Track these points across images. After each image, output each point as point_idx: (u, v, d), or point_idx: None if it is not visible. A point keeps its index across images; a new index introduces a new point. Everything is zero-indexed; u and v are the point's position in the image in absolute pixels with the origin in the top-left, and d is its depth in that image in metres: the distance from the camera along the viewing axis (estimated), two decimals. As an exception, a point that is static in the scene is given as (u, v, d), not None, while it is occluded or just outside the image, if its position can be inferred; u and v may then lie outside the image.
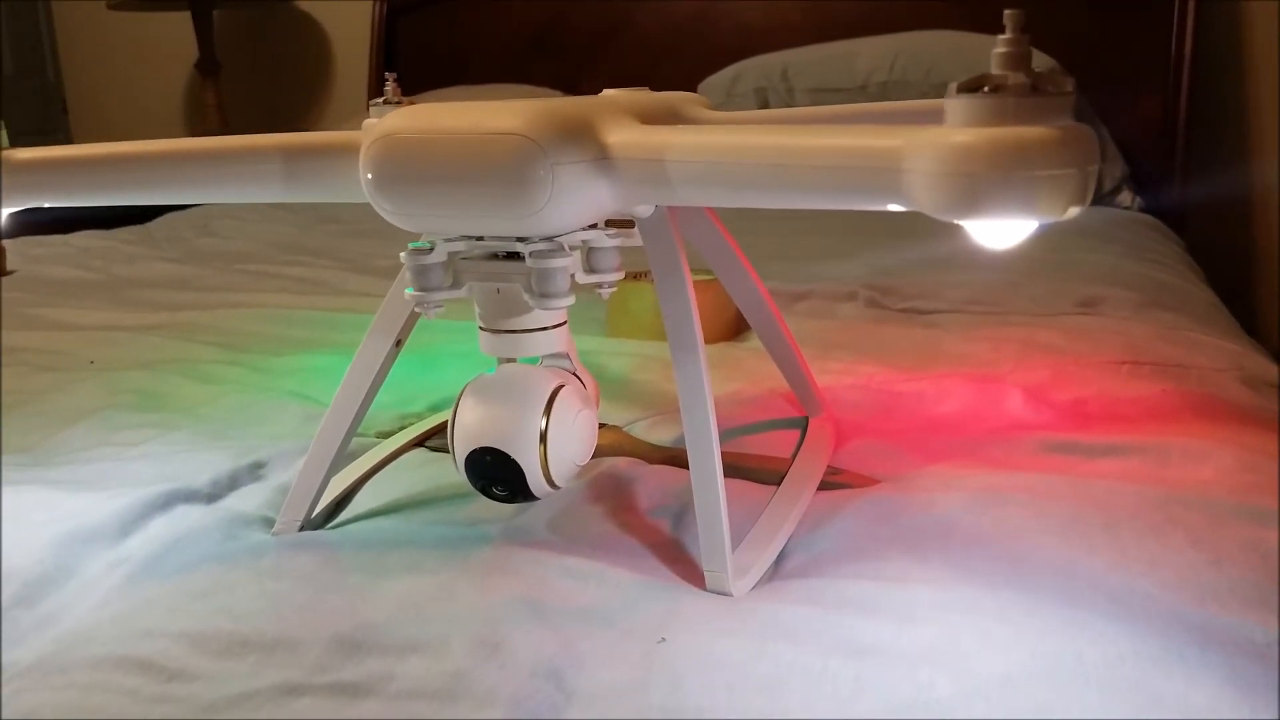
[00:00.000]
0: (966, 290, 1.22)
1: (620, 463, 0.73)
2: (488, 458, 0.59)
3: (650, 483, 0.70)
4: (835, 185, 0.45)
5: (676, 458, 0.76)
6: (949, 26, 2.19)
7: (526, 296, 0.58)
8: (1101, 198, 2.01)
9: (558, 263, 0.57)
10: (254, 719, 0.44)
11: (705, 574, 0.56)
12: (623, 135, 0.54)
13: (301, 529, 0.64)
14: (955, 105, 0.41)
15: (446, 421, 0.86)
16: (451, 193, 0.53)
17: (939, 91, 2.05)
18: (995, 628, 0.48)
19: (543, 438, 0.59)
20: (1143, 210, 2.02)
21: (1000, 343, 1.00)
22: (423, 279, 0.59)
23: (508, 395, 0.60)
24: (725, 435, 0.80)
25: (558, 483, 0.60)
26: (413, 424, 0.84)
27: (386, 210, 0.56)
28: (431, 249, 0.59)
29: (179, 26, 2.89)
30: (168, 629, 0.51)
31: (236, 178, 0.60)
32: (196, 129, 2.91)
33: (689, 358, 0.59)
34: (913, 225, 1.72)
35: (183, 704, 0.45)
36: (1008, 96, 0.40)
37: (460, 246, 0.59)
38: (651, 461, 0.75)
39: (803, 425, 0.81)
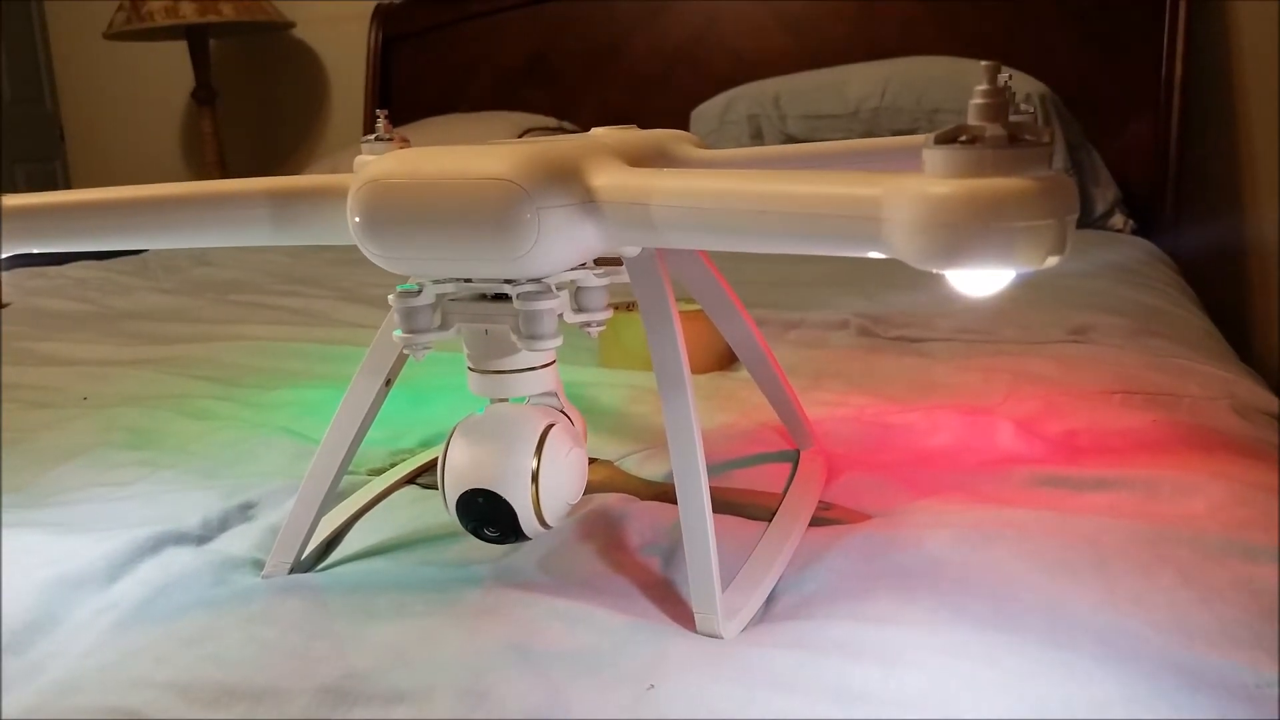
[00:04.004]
0: (957, 319, 1.23)
1: (611, 499, 0.73)
2: (479, 499, 0.59)
3: (641, 520, 0.70)
4: (816, 232, 0.45)
5: (668, 493, 0.75)
6: (938, 52, 2.21)
7: (514, 338, 0.58)
8: (1094, 221, 2.02)
9: (545, 304, 0.57)
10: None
11: (695, 616, 0.56)
12: (608, 178, 0.54)
13: (291, 570, 0.64)
14: (933, 156, 0.41)
15: (437, 458, 0.86)
16: (438, 237, 0.54)
17: (930, 117, 2.06)
18: (982, 672, 0.48)
19: (534, 478, 0.59)
20: (1135, 233, 2.02)
21: (992, 373, 1.00)
22: (411, 321, 0.60)
23: (498, 436, 0.60)
24: (716, 469, 0.80)
25: (549, 522, 0.60)
26: (404, 460, 0.84)
27: (374, 254, 0.56)
28: (419, 291, 0.59)
29: (175, 56, 2.90)
30: (155, 678, 0.51)
31: (226, 222, 0.61)
32: (193, 158, 2.93)
33: (677, 396, 0.59)
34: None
35: (169, 756, 0.45)
36: (985, 148, 0.40)
37: (449, 288, 0.60)
38: (643, 497, 0.75)
39: (794, 458, 0.81)
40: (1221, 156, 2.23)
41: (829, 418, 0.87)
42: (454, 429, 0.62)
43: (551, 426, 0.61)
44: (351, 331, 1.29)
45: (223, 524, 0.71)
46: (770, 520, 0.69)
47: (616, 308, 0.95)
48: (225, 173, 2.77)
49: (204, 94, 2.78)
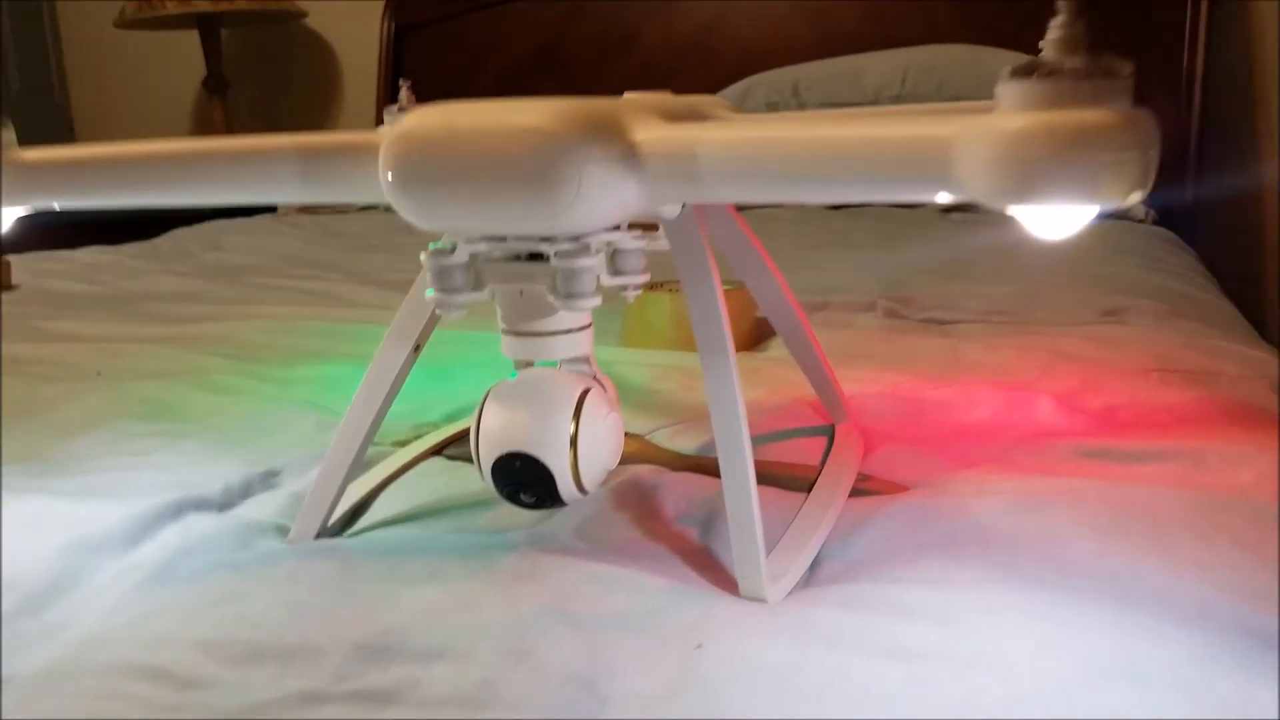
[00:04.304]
0: (986, 301, 1.21)
1: (643, 470, 0.71)
2: (517, 463, 0.57)
3: (675, 490, 0.69)
4: (882, 175, 0.43)
5: (700, 465, 0.74)
6: (954, 40, 2.18)
7: (551, 298, 0.56)
8: (1115, 211, 1.99)
9: (583, 263, 0.55)
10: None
11: (738, 580, 0.55)
12: (651, 132, 0.52)
13: (317, 537, 0.63)
14: (1009, 90, 0.39)
15: (464, 430, 0.84)
16: (474, 192, 0.52)
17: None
18: (1045, 630, 0.46)
19: (572, 442, 0.57)
20: (1156, 224, 2.00)
21: (1025, 351, 0.98)
22: (444, 280, 0.58)
23: (535, 399, 0.58)
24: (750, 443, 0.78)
25: (587, 487, 0.59)
26: (428, 433, 0.82)
27: (407, 210, 0.54)
28: (453, 250, 0.58)
29: (186, 44, 2.89)
30: (181, 636, 0.49)
31: (252, 177, 0.59)
32: (203, 147, 2.91)
33: (719, 360, 0.58)
34: (928, 235, 1.71)
35: (198, 712, 0.43)
36: (1064, 80, 0.39)
37: (482, 247, 0.58)
38: (675, 469, 0.73)
39: (828, 433, 0.79)
40: (1241, 151, 2.20)
41: (862, 393, 0.85)
42: (487, 393, 0.60)
43: (588, 391, 0.59)
44: (370, 312, 1.27)
45: (245, 491, 0.69)
46: (808, 491, 0.67)
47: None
48: (236, 162, 2.75)
49: (215, 83, 2.77)
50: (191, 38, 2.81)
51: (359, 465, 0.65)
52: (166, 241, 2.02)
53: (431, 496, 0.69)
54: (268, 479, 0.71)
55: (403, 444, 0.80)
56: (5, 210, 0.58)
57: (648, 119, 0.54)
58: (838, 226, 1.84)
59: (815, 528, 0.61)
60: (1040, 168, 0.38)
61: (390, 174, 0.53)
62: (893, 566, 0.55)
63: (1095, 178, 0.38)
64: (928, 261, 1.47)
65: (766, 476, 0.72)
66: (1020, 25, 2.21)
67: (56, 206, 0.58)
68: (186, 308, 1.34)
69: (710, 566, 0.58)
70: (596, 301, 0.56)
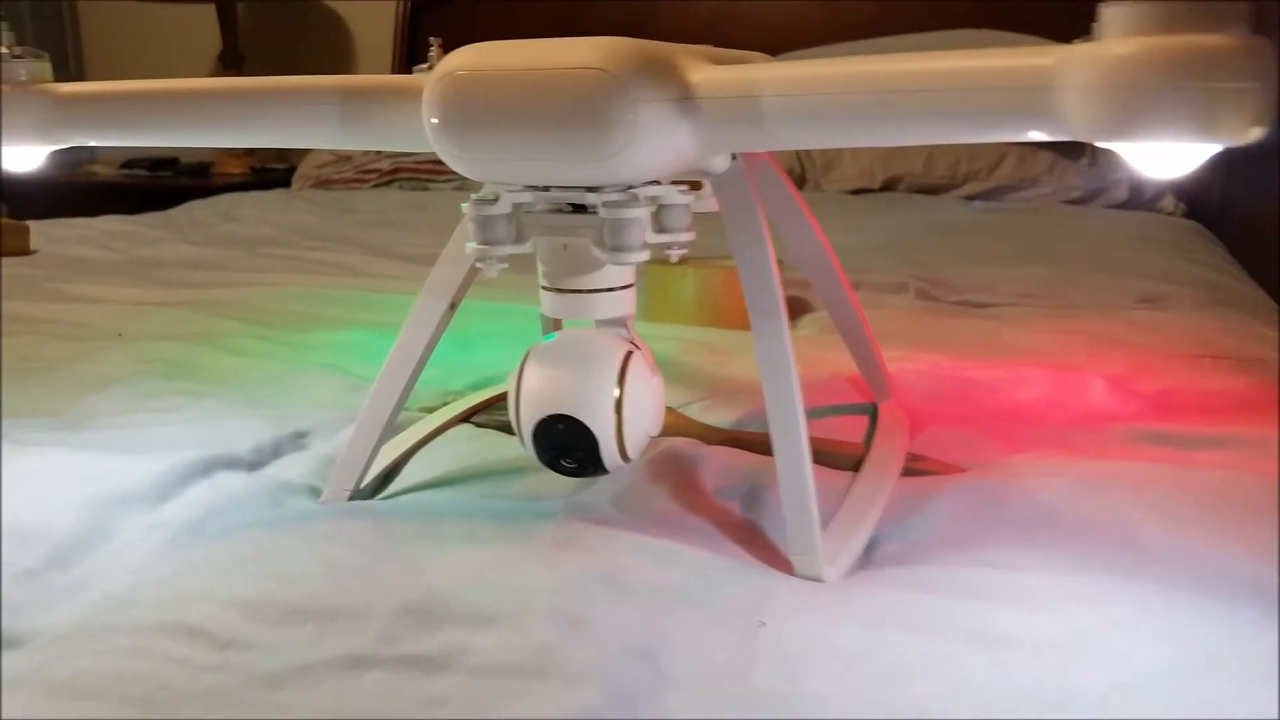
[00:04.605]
0: (1020, 285, 1.18)
1: (679, 443, 0.69)
2: (560, 425, 0.55)
3: (713, 463, 0.66)
4: (973, 110, 0.40)
5: (737, 440, 0.71)
6: (968, 26, 2.15)
7: (597, 251, 0.54)
8: (1145, 203, 1.96)
9: (632, 213, 0.52)
10: (320, 692, 0.40)
11: (792, 558, 0.52)
12: (708, 74, 0.50)
13: (351, 498, 0.60)
14: (1117, 14, 0.37)
15: (492, 397, 0.82)
16: (523, 134, 0.49)
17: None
18: (1137, 618, 0.43)
19: (617, 406, 0.55)
20: (1186, 216, 1.97)
21: (1067, 335, 0.96)
22: (486, 231, 0.55)
23: (578, 360, 0.56)
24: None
25: (630, 454, 0.56)
26: (455, 400, 0.80)
27: (451, 155, 0.52)
28: (496, 200, 0.55)
29: (203, 19, 2.86)
30: (216, 594, 0.47)
31: (293, 118, 0.56)
32: (217, 120, 2.88)
33: (771, 326, 0.55)
34: (952, 221, 1.68)
35: (238, 674, 0.41)
36: (1178, 2, 0.36)
37: (526, 197, 0.55)
38: (710, 443, 0.70)
39: (869, 411, 0.76)
40: (1271, 146, 2.17)
41: (902, 372, 0.82)
42: (526, 354, 0.57)
43: (631, 353, 0.57)
44: (388, 282, 1.24)
45: (275, 451, 0.67)
46: (855, 470, 0.65)
47: (661, 262, 0.91)
48: (250, 136, 2.72)
49: (231, 58, 2.73)
50: (208, 12, 2.77)
51: (392, 425, 0.63)
52: (182, 213, 1.99)
53: (463, 463, 0.67)
54: (297, 440, 0.69)
55: (430, 410, 0.77)
56: (38, 148, 0.56)
57: (702, 62, 0.51)
58: (857, 210, 1.81)
59: (869, 507, 0.58)
60: (1150, 97, 0.35)
61: (434, 116, 0.51)
62: (958, 549, 0.53)
63: (1211, 109, 0.35)
64: (955, 246, 1.45)
65: (811, 453, 0.69)
66: (1042, 13, 2.18)
67: (92, 143, 0.56)
68: (202, 274, 1.32)
69: (757, 543, 0.56)
70: (644, 256, 0.53)
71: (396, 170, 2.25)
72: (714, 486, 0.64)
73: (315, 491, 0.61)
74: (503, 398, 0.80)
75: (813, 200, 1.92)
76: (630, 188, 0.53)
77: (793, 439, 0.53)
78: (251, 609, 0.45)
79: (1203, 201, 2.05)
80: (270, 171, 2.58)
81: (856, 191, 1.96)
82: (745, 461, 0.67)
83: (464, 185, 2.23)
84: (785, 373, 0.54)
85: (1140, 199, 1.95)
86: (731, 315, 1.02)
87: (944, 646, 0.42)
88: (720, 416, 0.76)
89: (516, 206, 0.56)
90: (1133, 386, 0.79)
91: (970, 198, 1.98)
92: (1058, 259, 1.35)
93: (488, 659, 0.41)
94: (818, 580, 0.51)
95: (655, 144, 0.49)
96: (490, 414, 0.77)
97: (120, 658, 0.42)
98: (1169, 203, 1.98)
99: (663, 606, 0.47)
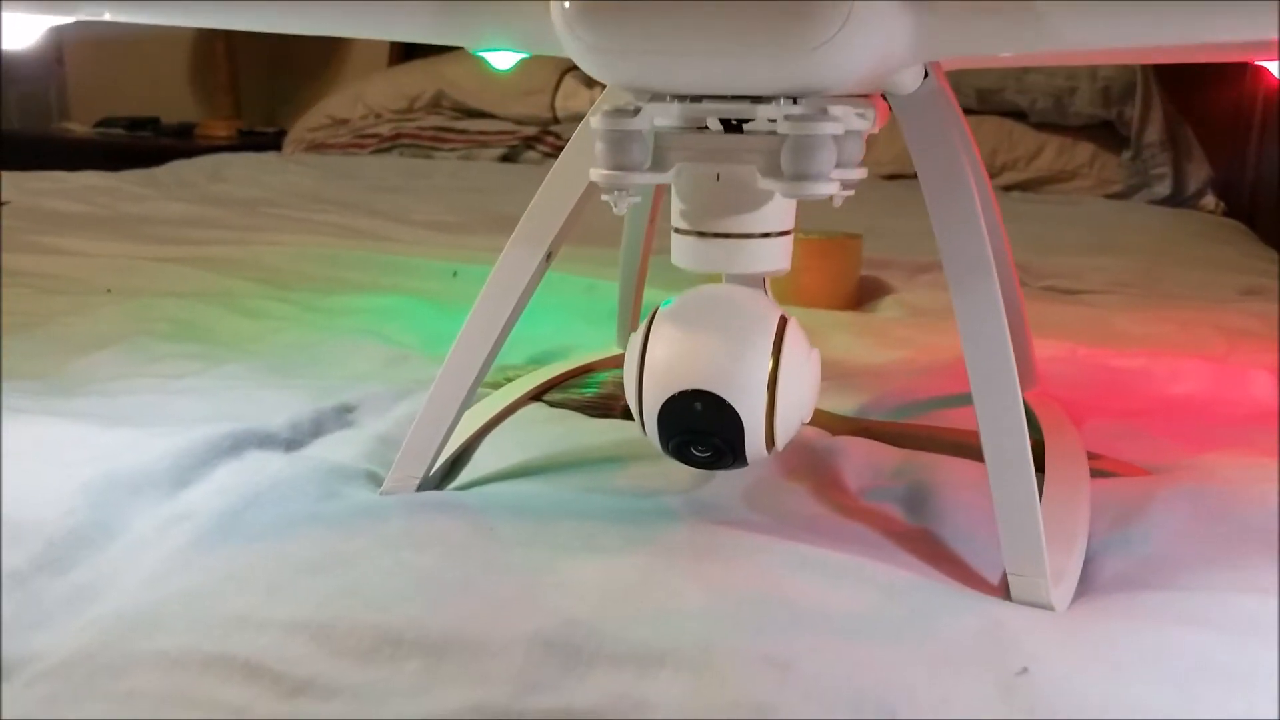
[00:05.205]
0: (1108, 273, 1.08)
1: (806, 433, 0.57)
2: (696, 405, 0.43)
3: (854, 459, 0.55)
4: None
5: (868, 429, 0.60)
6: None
7: (769, 181, 0.42)
8: (1184, 200, 1.87)
9: (826, 128, 0.40)
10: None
11: (1011, 579, 0.41)
12: None
13: (420, 488, 0.48)
14: None
15: (566, 373, 0.70)
16: (693, 16, 0.37)
17: (1019, 77, 1.88)
18: None
19: (770, 383, 0.43)
20: (1225, 215, 1.88)
21: (1186, 325, 0.85)
22: (620, 153, 0.42)
23: (723, 325, 0.44)
24: (920, 407, 0.64)
25: (778, 443, 0.44)
26: (516, 377, 0.68)
27: (586, 45, 0.40)
28: (636, 112, 0.43)
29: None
30: (273, 616, 0.34)
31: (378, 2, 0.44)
32: (205, 80, 2.72)
33: (979, 283, 0.43)
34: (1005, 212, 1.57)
35: (326, 736, 0.29)
36: None
37: (674, 110, 0.43)
38: (836, 433, 0.59)
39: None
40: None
41: (1037, 358, 0.71)
42: (653, 316, 0.45)
43: (788, 320, 0.45)
44: (410, 247, 1.12)
45: (316, 428, 0.54)
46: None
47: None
48: (237, 97, 2.57)
49: None
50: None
51: (470, 401, 0.50)
52: (166, 172, 1.85)
53: (545, 448, 0.55)
54: (342, 415, 0.57)
55: (493, 387, 0.65)
56: (41, 18, 0.43)
57: None
58: (896, 194, 1.70)
59: (1074, 516, 0.47)
60: None
61: None
62: (1209, 567, 0.42)
63: None
64: (1016, 233, 1.34)
65: (960, 446, 0.58)
66: None
67: (106, 16, 0.43)
68: (199, 232, 1.19)
69: (942, 557, 0.45)
70: (834, 187, 0.41)
71: (398, 136, 2.12)
72: (858, 485, 0.52)
73: (374, 478, 0.49)
74: (579, 373, 0.68)
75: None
76: (820, 96, 0.41)
77: (1009, 429, 0.42)
78: (327, 638, 0.33)
79: (1233, 200, 1.97)
80: (258, 135, 2.44)
81: (891, 177, 1.85)
82: (888, 456, 0.55)
83: (469, 156, 2.10)
84: (998, 344, 0.42)
85: (1182, 195, 1.86)
86: (810, 292, 0.91)
87: (1258, 698, 0.31)
88: (837, 403, 0.65)
89: (657, 124, 0.44)
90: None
91: (1008, 188, 1.88)
92: (1129, 250, 1.24)
93: (677, 716, 0.29)
94: (1044, 607, 0.40)
95: (868, 38, 0.37)
96: (565, 392, 0.65)
97: (150, 706, 0.30)
98: (1210, 201, 1.88)
99: (871, 641, 0.35)
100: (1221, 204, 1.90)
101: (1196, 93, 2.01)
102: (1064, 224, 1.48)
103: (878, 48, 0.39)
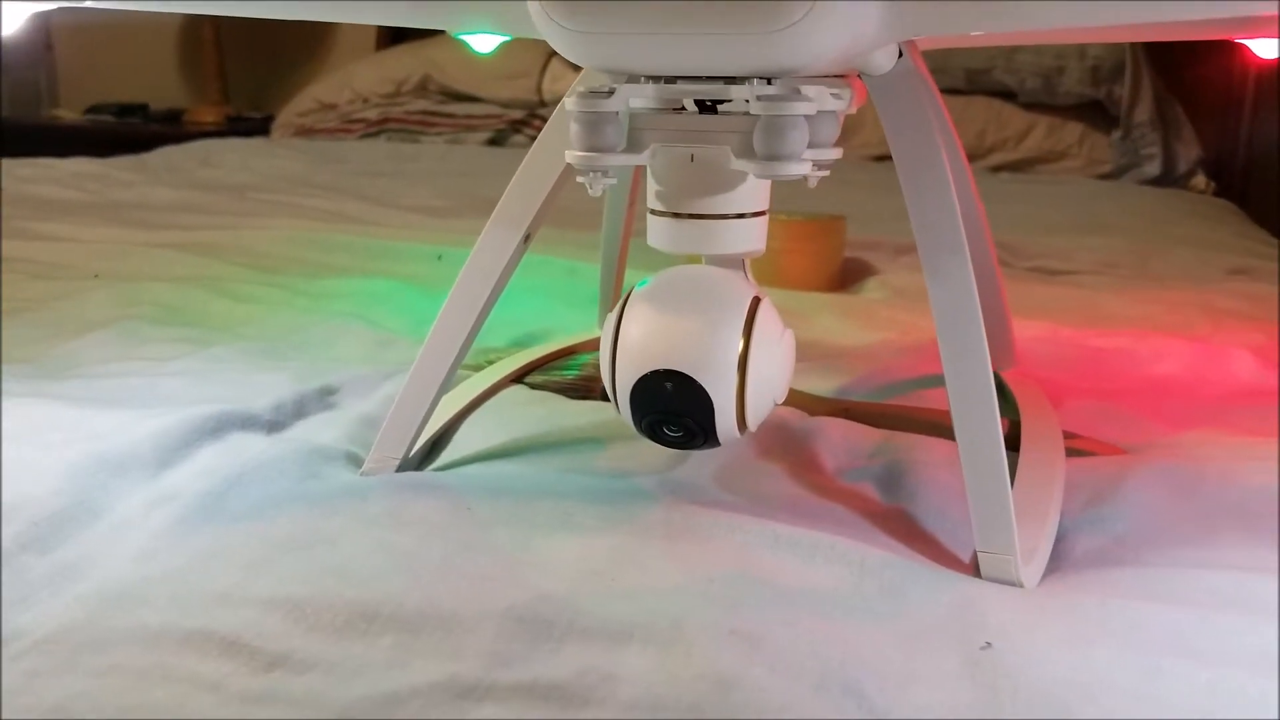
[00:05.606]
0: (1096, 253, 1.09)
1: (783, 413, 0.58)
2: (668, 384, 0.43)
3: (830, 438, 0.55)
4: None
5: (847, 410, 0.60)
6: None
7: (742, 162, 0.42)
8: (1175, 180, 1.87)
9: (798, 108, 0.40)
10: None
11: (981, 557, 0.41)
12: None
13: (400, 469, 0.49)
14: None
15: (547, 355, 0.70)
16: None
17: (1009, 55, 1.88)
18: None
19: (741, 364, 0.43)
20: (1216, 195, 1.88)
21: (1174, 306, 0.86)
22: (595, 134, 0.43)
23: (696, 305, 0.44)
24: (901, 387, 0.65)
25: (750, 424, 0.45)
26: (499, 358, 0.68)
27: (560, 27, 0.40)
28: (611, 93, 0.43)
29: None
30: (251, 592, 0.35)
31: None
32: (194, 66, 2.72)
33: (951, 267, 0.44)
34: (986, 191, 1.58)
35: (300, 706, 0.29)
36: None
37: (649, 91, 0.43)
38: (814, 413, 0.59)
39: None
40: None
41: (1018, 338, 0.72)
42: (628, 296, 0.46)
43: (760, 300, 0.45)
44: (397, 231, 1.12)
45: (299, 410, 0.55)
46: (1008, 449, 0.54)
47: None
48: (225, 83, 2.57)
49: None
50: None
51: (450, 382, 0.51)
52: (155, 157, 1.85)
53: (524, 429, 0.55)
54: (324, 397, 0.57)
55: (474, 370, 0.66)
56: (25, 5, 0.43)
57: None
58: (884, 176, 1.70)
59: (1046, 494, 0.47)
60: None
61: None
62: (1171, 545, 0.42)
63: None
64: (1004, 214, 1.34)
65: (940, 427, 0.59)
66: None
67: (89, 3, 0.43)
68: (188, 217, 1.19)
69: (916, 535, 0.45)
70: (805, 168, 0.42)
71: (385, 120, 2.12)
72: (834, 465, 0.53)
73: (355, 459, 0.49)
74: (560, 355, 0.69)
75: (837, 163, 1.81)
76: (792, 77, 0.42)
77: (980, 409, 0.42)
78: (304, 614, 0.34)
79: (1223, 179, 1.97)
80: (246, 120, 2.43)
81: (879, 158, 1.85)
82: (865, 436, 0.56)
83: (456, 140, 2.10)
84: (971, 326, 0.43)
85: (1172, 175, 1.86)
86: (794, 274, 0.91)
87: (1231, 675, 0.32)
88: (817, 384, 0.65)
89: (632, 105, 0.44)
90: (1276, 359, 0.69)
91: (996, 169, 1.88)
92: (1118, 230, 1.25)
93: (645, 691, 0.30)
94: (1014, 584, 0.40)
95: (836, 21, 0.38)
96: (547, 374, 0.65)
97: (130, 680, 0.31)
98: (1200, 181, 1.89)
99: (842, 618, 0.36)
100: (1212, 183, 1.90)
101: (1187, 71, 2.01)
102: (1053, 204, 1.48)
103: (848, 28, 0.39)
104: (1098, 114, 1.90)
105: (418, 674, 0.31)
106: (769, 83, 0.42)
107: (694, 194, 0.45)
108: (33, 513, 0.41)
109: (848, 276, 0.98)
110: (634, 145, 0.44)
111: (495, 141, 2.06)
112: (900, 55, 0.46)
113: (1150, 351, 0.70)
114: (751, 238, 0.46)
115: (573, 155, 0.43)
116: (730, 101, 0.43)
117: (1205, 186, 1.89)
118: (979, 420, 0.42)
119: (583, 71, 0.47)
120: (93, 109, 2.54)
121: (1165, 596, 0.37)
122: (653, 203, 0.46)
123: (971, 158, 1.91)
